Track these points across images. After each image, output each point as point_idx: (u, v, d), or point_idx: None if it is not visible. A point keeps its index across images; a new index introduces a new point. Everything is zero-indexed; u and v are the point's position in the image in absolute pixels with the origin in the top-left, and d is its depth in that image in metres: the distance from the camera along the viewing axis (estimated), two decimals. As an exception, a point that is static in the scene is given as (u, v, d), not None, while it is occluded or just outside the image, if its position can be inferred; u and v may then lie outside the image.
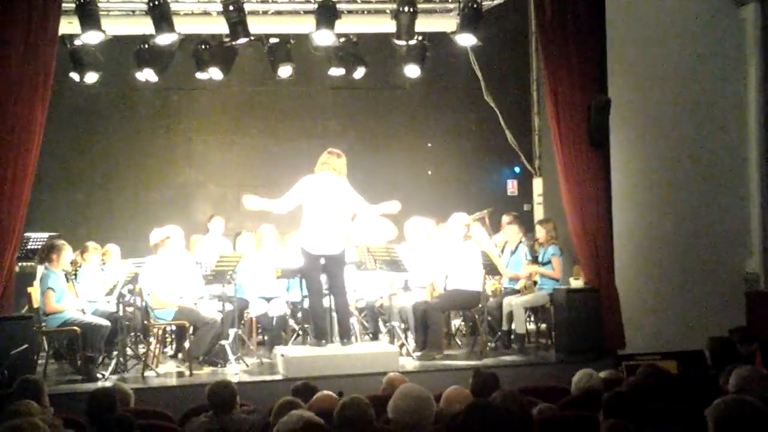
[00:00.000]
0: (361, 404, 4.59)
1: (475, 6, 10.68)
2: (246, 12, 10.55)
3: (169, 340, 10.72)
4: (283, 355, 9.09)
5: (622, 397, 5.00)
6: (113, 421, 4.51)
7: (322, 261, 9.21)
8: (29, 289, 10.03)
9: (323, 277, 9.33)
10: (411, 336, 10.17)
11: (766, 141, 10.73)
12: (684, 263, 10.67)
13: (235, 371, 9.28)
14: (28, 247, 10.63)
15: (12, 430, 4.01)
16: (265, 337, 10.77)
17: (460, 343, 10.98)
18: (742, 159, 10.98)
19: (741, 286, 10.88)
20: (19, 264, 10.30)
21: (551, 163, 11.04)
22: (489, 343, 10.28)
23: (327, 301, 9.38)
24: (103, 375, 9.08)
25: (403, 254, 9.92)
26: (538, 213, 12.92)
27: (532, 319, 11.05)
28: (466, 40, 11.09)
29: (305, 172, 9.46)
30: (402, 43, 11.28)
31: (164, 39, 10.55)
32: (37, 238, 10.70)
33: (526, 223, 11.92)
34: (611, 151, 10.32)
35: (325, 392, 5.81)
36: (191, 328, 9.54)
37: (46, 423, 4.24)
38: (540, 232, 10.62)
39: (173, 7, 10.49)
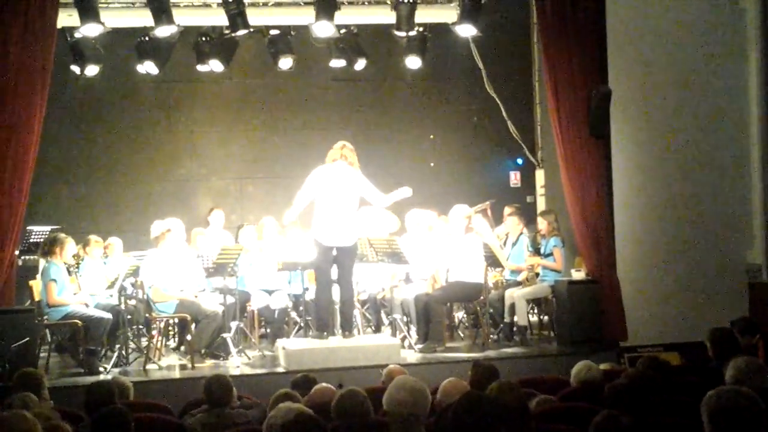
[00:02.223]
0: (358, 396, 4.60)
1: (475, -4, 10.66)
2: (245, 3, 10.54)
3: (171, 332, 10.73)
4: (284, 348, 9.08)
5: (621, 389, 4.98)
6: (107, 414, 4.50)
7: (334, 252, 9.19)
8: (31, 282, 10.01)
9: (333, 269, 9.31)
10: (413, 328, 10.16)
11: (768, 130, 10.70)
12: (686, 254, 10.64)
13: (236, 364, 9.27)
14: (31, 240, 10.63)
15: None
16: (268, 330, 10.77)
17: (462, 335, 10.98)
18: (743, 148, 10.93)
19: (743, 277, 10.84)
20: (22, 257, 10.33)
21: (554, 154, 11.01)
22: (491, 336, 10.28)
23: (333, 293, 9.38)
24: (105, 368, 9.08)
25: (404, 246, 9.91)
26: (541, 204, 12.86)
27: (535, 311, 11.02)
28: (467, 31, 11.06)
29: (306, 164, 9.42)
30: (402, 34, 11.25)
31: (164, 31, 10.53)
32: (39, 232, 10.70)
33: (530, 214, 11.89)
34: (612, 142, 10.30)
35: (324, 385, 5.82)
36: (193, 322, 9.55)
37: (41, 416, 4.24)
38: (542, 224, 10.59)
39: (172, -2, 10.49)
